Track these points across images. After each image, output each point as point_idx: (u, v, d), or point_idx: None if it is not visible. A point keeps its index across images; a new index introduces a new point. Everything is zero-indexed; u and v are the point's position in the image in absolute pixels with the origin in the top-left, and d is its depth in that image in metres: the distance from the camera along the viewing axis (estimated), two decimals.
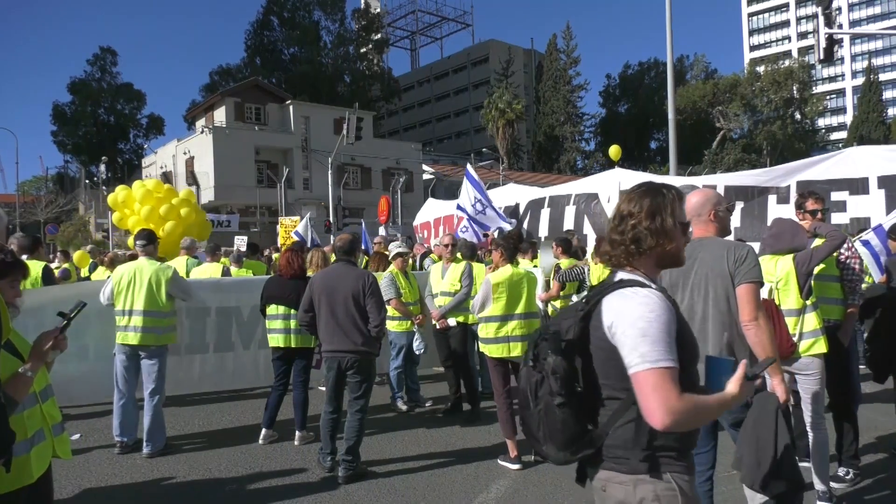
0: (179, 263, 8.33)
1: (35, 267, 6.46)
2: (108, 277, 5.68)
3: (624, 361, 1.64)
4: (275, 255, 12.21)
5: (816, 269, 3.98)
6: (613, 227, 1.87)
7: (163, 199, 12.46)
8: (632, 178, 9.95)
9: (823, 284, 4.21)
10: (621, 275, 1.82)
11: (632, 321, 1.64)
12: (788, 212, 6.02)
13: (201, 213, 13.29)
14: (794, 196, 7.07)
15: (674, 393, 1.57)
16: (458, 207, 10.97)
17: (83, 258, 11.13)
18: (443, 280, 6.62)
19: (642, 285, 1.73)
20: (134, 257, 7.39)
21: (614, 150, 14.03)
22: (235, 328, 6.71)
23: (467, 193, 11.08)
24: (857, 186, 7.39)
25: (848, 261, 4.41)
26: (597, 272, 6.31)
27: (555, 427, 1.69)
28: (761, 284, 3.13)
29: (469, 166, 11.53)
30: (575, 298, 6.63)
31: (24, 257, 6.50)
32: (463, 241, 7.25)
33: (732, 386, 1.70)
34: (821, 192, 4.83)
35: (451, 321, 6.51)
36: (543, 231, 10.77)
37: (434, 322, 6.57)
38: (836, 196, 7.37)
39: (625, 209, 1.85)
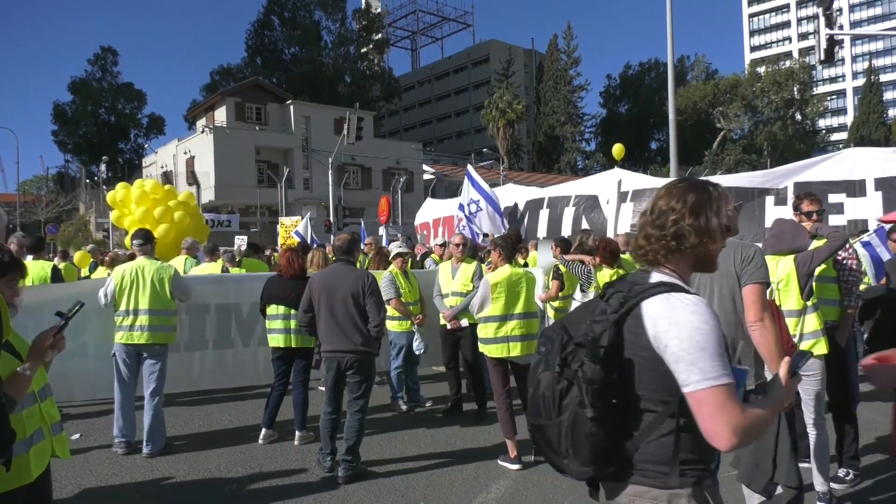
0: (178, 263, 8.32)
1: (45, 267, 6.48)
2: (109, 277, 5.66)
3: (678, 377, 1.52)
4: (274, 255, 12.18)
5: (817, 271, 3.98)
6: (650, 221, 1.72)
7: (159, 201, 12.34)
8: (631, 178, 9.97)
9: (822, 286, 4.21)
10: (657, 276, 1.68)
11: (688, 333, 1.51)
12: (786, 213, 6.02)
13: (198, 216, 13.14)
14: (791, 197, 7.08)
15: (738, 410, 1.48)
16: (459, 207, 11.03)
17: (84, 258, 11.11)
18: (454, 280, 6.58)
19: (686, 291, 1.61)
20: (134, 257, 7.38)
21: (618, 149, 13.98)
22: (235, 325, 6.68)
23: (466, 193, 11.13)
24: (854, 188, 7.39)
25: (845, 261, 4.40)
26: (602, 274, 6.29)
27: (583, 441, 1.56)
28: (768, 285, 3.09)
29: (470, 166, 11.53)
30: (578, 296, 6.59)
31: (29, 258, 6.52)
32: (469, 241, 7.23)
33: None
34: (818, 194, 4.83)
35: (464, 322, 6.49)
36: (542, 231, 10.78)
37: (445, 322, 6.52)
38: (833, 198, 7.37)
39: (664, 204, 1.70)
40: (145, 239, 5.61)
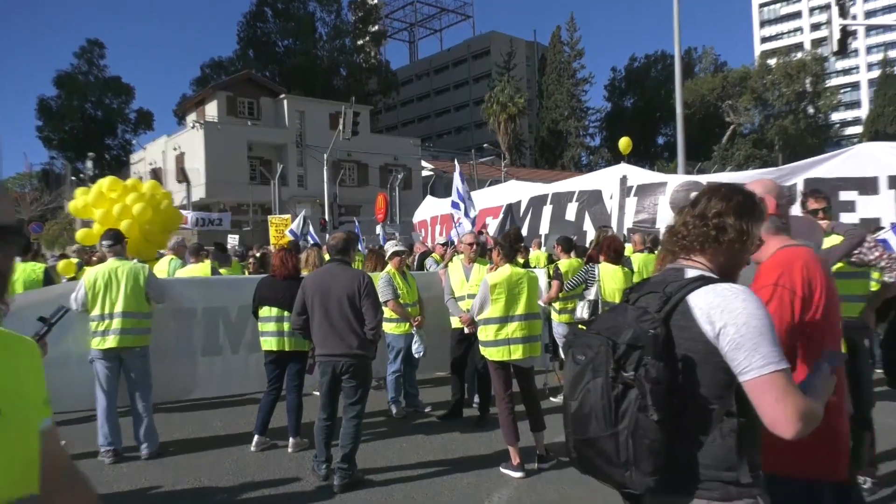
0: (163, 265, 8.27)
1: (36, 270, 6.40)
2: (80, 281, 5.59)
3: (737, 365, 1.54)
4: (258, 255, 11.96)
5: (834, 268, 3.96)
6: (690, 212, 1.80)
7: (116, 200, 11.99)
8: (636, 173, 9.97)
9: (843, 282, 4.17)
10: (692, 272, 1.72)
11: (744, 319, 1.55)
12: (794, 211, 6.00)
13: (167, 208, 12.62)
14: (801, 195, 7.07)
15: (800, 395, 1.53)
16: (453, 205, 10.83)
17: (68, 267, 10.87)
18: (468, 282, 6.51)
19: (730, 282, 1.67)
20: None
21: (624, 143, 13.87)
22: (223, 330, 6.61)
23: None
24: (867, 186, 7.37)
25: (870, 251, 4.34)
26: (606, 270, 6.27)
27: (647, 448, 1.53)
28: None
29: (456, 162, 11.39)
30: (592, 297, 6.54)
31: (17, 259, 6.46)
32: (482, 240, 7.16)
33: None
34: (827, 191, 4.80)
35: None
36: (544, 228, 10.79)
37: (461, 326, 6.47)
38: (844, 195, 7.35)
39: (708, 200, 1.79)
40: (115, 239, 5.56)
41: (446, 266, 7.30)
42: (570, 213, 10.47)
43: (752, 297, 1.60)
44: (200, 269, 7.88)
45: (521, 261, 7.74)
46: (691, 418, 1.59)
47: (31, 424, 1.18)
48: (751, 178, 8.21)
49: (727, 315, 1.56)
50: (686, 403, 1.59)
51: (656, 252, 6.77)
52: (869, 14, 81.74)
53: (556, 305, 7.02)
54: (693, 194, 3.28)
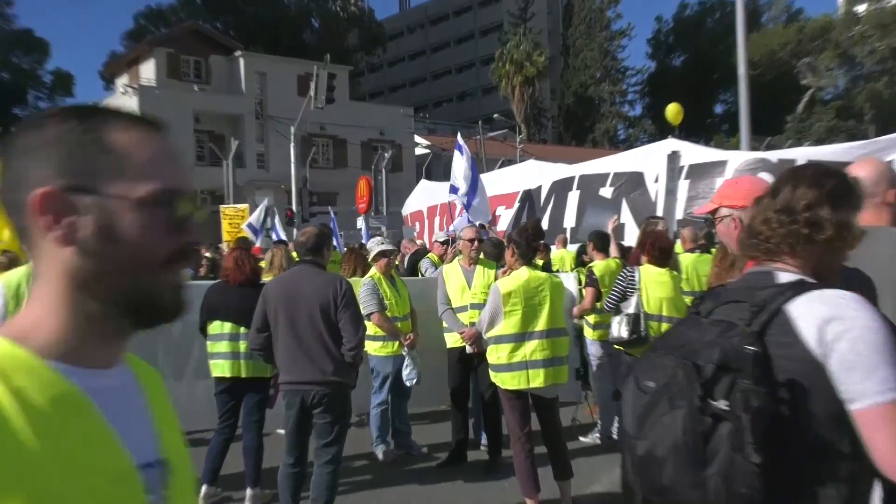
0: None
1: None
2: None
3: (848, 389, 1.54)
4: (207, 257, 11.98)
5: None
6: (770, 206, 1.81)
7: None
8: (689, 150, 9.94)
9: None
10: (786, 276, 1.73)
11: (859, 333, 1.54)
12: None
13: None
14: None
15: None
16: (451, 190, 10.71)
17: None
18: (470, 288, 6.53)
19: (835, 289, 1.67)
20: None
21: (673, 111, 13.68)
22: (162, 351, 6.61)
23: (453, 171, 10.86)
24: None
25: None
26: (649, 274, 6.26)
27: (744, 499, 1.51)
28: None
29: (459, 136, 11.33)
30: (631, 309, 6.54)
31: None
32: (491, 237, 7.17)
33: None
34: None
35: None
36: (570, 220, 10.77)
37: (465, 344, 6.43)
38: None
39: (793, 188, 1.79)
40: None
41: None
42: (605, 198, 10.47)
43: (868, 307, 1.60)
44: None
45: (540, 262, 7.74)
46: (796, 460, 1.57)
47: (192, 478, 1.16)
48: (835, 154, 8.22)
49: (839, 327, 1.56)
50: (791, 441, 1.56)
51: (713, 252, 6.76)
52: None
53: (590, 319, 7.00)
54: (762, 175, 3.24)
